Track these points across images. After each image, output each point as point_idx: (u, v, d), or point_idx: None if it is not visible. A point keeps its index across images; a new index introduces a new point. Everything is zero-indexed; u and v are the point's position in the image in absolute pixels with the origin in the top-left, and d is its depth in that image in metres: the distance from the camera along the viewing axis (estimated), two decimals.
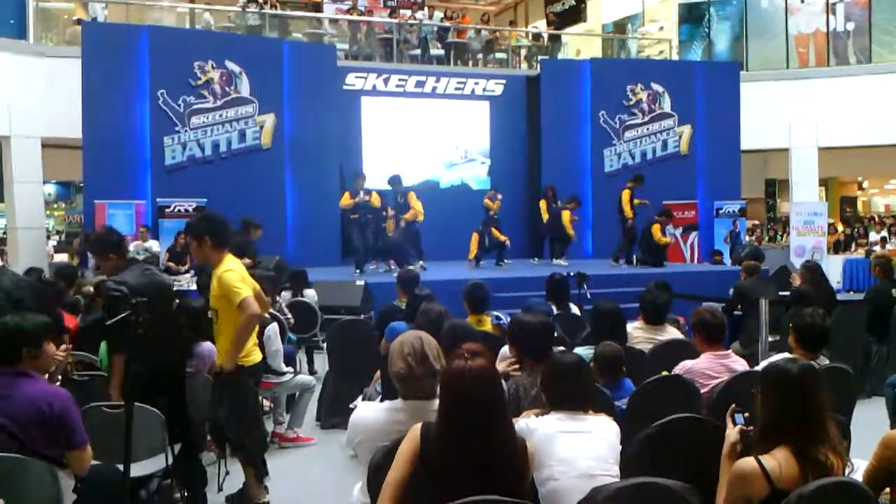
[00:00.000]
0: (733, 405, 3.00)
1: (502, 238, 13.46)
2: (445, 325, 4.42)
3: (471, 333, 4.39)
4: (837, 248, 19.53)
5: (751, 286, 8.34)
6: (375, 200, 12.36)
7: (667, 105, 17.28)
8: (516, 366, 4.04)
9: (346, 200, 12.38)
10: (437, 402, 3.06)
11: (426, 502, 2.52)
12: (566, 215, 13.86)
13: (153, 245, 12.85)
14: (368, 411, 3.20)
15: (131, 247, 12.41)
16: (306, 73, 14.94)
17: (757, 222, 23.46)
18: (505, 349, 4.77)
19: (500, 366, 4.01)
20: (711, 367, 4.41)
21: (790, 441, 2.59)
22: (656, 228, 13.38)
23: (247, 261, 7.74)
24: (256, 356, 4.88)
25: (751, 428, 2.84)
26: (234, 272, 4.60)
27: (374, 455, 2.98)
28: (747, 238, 18.66)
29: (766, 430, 2.67)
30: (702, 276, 12.72)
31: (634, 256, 13.76)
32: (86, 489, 3.68)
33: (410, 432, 2.73)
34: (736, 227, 17.39)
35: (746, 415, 2.90)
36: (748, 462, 2.61)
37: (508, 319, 6.31)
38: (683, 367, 4.46)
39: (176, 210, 13.53)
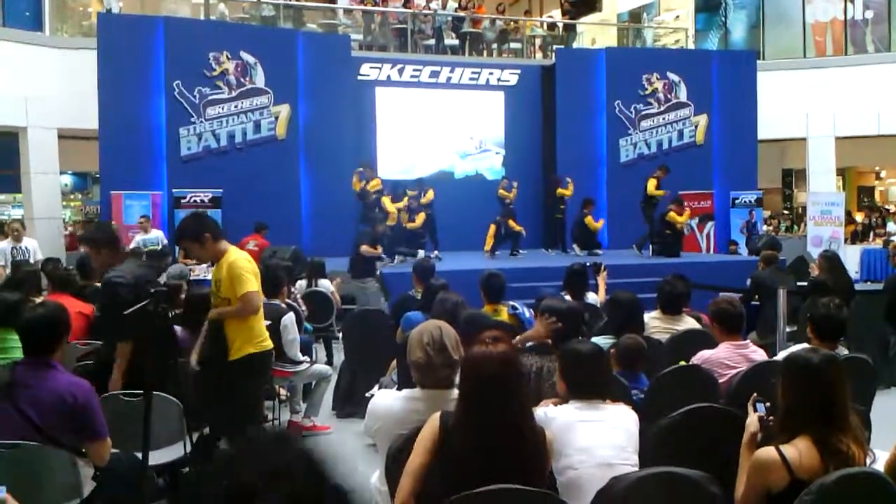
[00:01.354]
0: (755, 394, 2.99)
1: (518, 228, 13.43)
2: (462, 316, 4.42)
3: (487, 324, 4.38)
4: (855, 238, 19.37)
5: (768, 276, 8.28)
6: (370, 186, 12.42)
7: (683, 94, 17.18)
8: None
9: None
10: (455, 391, 3.07)
11: (446, 490, 2.51)
12: (589, 221, 13.86)
13: (159, 235, 12.78)
14: (387, 399, 3.21)
15: (137, 238, 12.46)
16: (321, 63, 14.95)
17: (773, 212, 23.30)
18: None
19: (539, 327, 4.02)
20: (730, 357, 4.39)
21: (811, 431, 2.57)
22: (673, 215, 13.33)
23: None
24: (269, 343, 4.93)
25: (771, 418, 2.82)
26: (244, 261, 4.70)
27: (393, 443, 2.99)
28: (764, 228, 18.54)
29: (786, 419, 2.65)
30: (718, 267, 12.65)
31: (651, 247, 13.70)
32: (104, 477, 3.72)
33: (430, 420, 2.74)
34: (752, 217, 17.29)
35: (768, 404, 2.89)
36: (768, 451, 2.60)
37: (524, 309, 6.34)
38: (702, 356, 4.44)
39: (192, 200, 13.55)
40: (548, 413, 2.98)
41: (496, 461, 2.58)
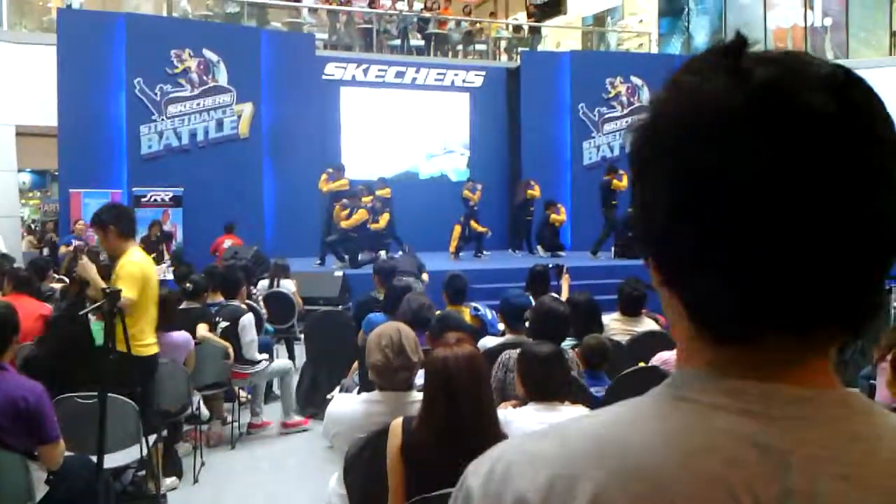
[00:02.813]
0: None
1: (482, 229, 13.47)
2: (436, 316, 4.41)
3: (461, 323, 4.39)
4: None
5: None
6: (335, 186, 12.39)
7: (646, 98, 17.29)
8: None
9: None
10: (413, 393, 3.07)
11: (412, 493, 2.51)
12: (554, 217, 13.99)
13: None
14: (345, 404, 3.19)
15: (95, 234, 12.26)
16: (285, 62, 14.85)
17: None
18: (485, 340, 4.79)
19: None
20: None
21: None
22: None
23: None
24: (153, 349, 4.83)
25: None
26: (137, 267, 4.65)
27: (351, 447, 2.97)
28: None
29: None
30: None
31: (614, 248, 13.81)
32: (58, 481, 3.65)
33: (391, 430, 2.72)
34: None
35: None
36: None
37: (486, 311, 6.34)
38: (660, 358, 4.47)
39: (152, 199, 13.40)
40: (507, 416, 2.98)
41: (458, 461, 2.56)
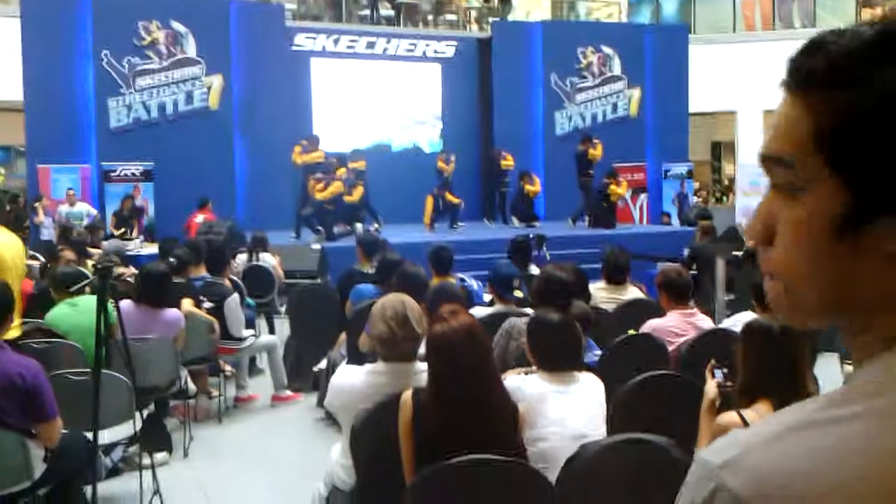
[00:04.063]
0: (713, 360, 3.06)
1: (456, 201, 13.47)
2: (431, 288, 4.42)
3: (455, 294, 4.40)
4: None
5: (706, 246, 8.48)
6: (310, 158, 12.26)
7: (617, 68, 17.36)
8: None
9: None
10: (418, 364, 3.08)
11: (424, 463, 2.53)
12: (528, 188, 14.04)
13: (87, 209, 12.44)
14: (349, 375, 3.19)
15: (62, 210, 12.10)
16: (254, 33, 14.65)
17: (702, 184, 23.80)
18: (475, 310, 4.80)
19: None
20: (678, 325, 4.49)
21: (771, 395, 2.65)
22: (614, 188, 13.54)
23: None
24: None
25: (729, 383, 2.90)
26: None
27: (357, 418, 2.99)
28: (695, 199, 18.95)
29: (748, 385, 2.73)
30: (652, 238, 12.89)
31: (587, 218, 13.89)
32: (54, 458, 3.63)
33: (402, 402, 2.74)
34: (683, 189, 17.64)
35: (725, 370, 2.96)
36: (730, 416, 2.67)
37: (471, 282, 6.37)
38: (651, 325, 4.53)
39: (122, 174, 13.24)
40: (521, 386, 3.00)
41: (467, 434, 2.60)
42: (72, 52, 13.08)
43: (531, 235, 7.71)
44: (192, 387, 5.90)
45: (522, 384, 2.98)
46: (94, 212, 12.43)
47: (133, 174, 13.28)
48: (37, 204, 12.53)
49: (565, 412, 2.91)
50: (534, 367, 3.10)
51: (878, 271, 0.66)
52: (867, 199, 0.66)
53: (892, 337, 0.67)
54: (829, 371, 5.27)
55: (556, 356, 3.01)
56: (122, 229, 12.44)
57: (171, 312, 5.29)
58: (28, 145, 13.35)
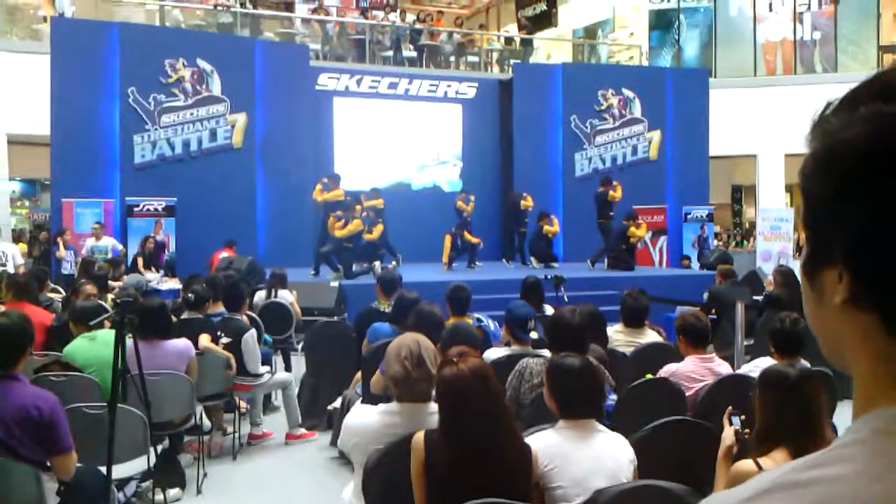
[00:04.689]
0: (730, 408, 3.02)
1: (475, 240, 13.49)
2: (447, 328, 4.40)
3: (471, 335, 4.38)
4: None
5: (725, 290, 8.42)
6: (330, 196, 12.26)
7: (637, 110, 17.42)
8: None
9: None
10: (432, 405, 3.06)
11: None
12: (547, 229, 14.03)
13: (113, 243, 12.49)
14: (363, 415, 3.18)
15: (87, 244, 12.19)
16: (278, 72, 14.84)
17: (723, 228, 23.72)
18: (490, 352, 4.79)
19: None
20: (696, 370, 4.45)
21: (789, 443, 2.62)
22: (633, 230, 13.52)
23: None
24: None
25: (746, 431, 2.86)
26: None
27: (369, 458, 2.97)
28: (715, 243, 18.87)
29: (765, 432, 2.69)
30: (672, 281, 12.81)
31: (606, 260, 13.84)
32: (69, 491, 3.63)
33: (414, 444, 2.72)
34: (704, 232, 17.57)
35: (743, 417, 2.93)
36: (747, 464, 2.63)
37: (488, 322, 6.35)
38: (668, 370, 4.49)
39: (145, 209, 13.36)
40: (541, 440, 2.86)
41: (477, 478, 2.58)
42: (99, 88, 13.29)
43: (547, 276, 7.68)
44: (206, 422, 5.90)
45: (543, 440, 2.87)
46: (120, 246, 12.53)
47: (156, 209, 13.40)
48: (59, 239, 12.64)
49: (587, 471, 2.78)
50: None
51: (839, 328, 0.68)
52: (813, 249, 0.70)
53: (868, 397, 0.67)
54: (849, 419, 5.17)
55: (578, 402, 2.92)
56: (152, 267, 12.52)
57: (179, 342, 5.30)
58: (53, 179, 13.52)
